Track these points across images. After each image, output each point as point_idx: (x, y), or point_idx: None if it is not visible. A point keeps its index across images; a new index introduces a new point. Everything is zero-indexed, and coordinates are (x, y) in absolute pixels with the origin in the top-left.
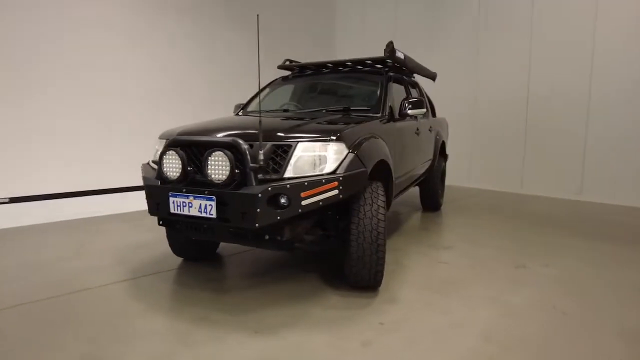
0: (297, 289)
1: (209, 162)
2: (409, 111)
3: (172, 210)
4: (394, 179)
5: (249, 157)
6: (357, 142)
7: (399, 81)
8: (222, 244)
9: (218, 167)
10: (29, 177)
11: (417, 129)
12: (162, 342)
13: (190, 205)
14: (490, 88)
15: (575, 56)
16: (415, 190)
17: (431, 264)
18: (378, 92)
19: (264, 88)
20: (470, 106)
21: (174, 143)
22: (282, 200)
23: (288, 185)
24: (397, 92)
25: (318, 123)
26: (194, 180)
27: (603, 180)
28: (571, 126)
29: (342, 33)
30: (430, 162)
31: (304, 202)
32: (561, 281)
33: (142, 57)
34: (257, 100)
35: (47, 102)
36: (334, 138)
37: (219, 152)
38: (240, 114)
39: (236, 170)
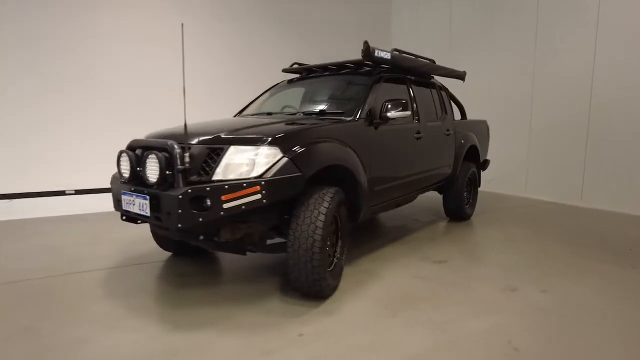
0: (249, 291)
1: (146, 164)
2: (389, 114)
3: (123, 207)
4: (364, 186)
5: (178, 159)
6: (295, 146)
7: (400, 82)
8: None
9: (152, 168)
10: (86, 171)
11: (418, 132)
12: (89, 326)
13: (133, 203)
14: (548, 88)
15: None
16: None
17: (408, 278)
18: (357, 95)
19: (266, 91)
20: (527, 108)
21: (129, 145)
22: (202, 203)
23: (208, 188)
24: (393, 94)
25: (261, 126)
26: (142, 180)
27: None
28: None
29: (398, 33)
30: (448, 168)
31: (225, 206)
32: (548, 312)
33: (177, 58)
34: (256, 103)
35: (79, 104)
36: (267, 142)
37: (152, 155)
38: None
39: (167, 172)
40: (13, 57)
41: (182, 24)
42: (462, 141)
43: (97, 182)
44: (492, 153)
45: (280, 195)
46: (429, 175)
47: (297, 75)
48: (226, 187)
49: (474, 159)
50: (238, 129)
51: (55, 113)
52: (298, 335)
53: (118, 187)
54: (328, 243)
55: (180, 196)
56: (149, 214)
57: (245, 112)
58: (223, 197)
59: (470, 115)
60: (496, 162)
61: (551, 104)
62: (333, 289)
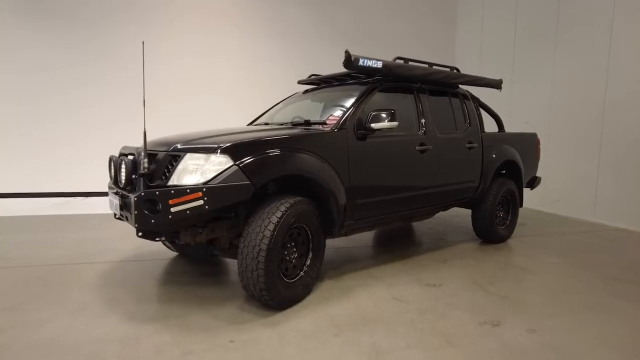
0: (216, 295)
1: (121, 168)
2: (374, 124)
3: (109, 207)
4: (338, 198)
5: (142, 165)
6: (248, 155)
7: (407, 92)
8: None
9: (122, 172)
10: None
11: (422, 144)
12: (59, 309)
13: (112, 203)
14: (624, 96)
15: None
16: None
17: (384, 299)
18: (344, 105)
19: (281, 102)
20: (598, 118)
21: (120, 151)
22: (154, 206)
23: (157, 192)
24: (392, 104)
25: (221, 136)
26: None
27: None
28: None
29: (462, 42)
30: (472, 183)
31: (173, 210)
32: (521, 357)
33: (208, 64)
34: (269, 113)
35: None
36: (218, 150)
37: (123, 160)
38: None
39: (134, 176)
40: (75, 70)
41: (143, 42)
42: (494, 155)
43: None
44: (558, 170)
45: (224, 203)
46: (445, 191)
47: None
48: (172, 191)
49: (513, 175)
50: (199, 138)
51: (119, 120)
52: (229, 341)
53: (108, 189)
54: (295, 255)
55: (135, 198)
56: (119, 214)
57: (258, 122)
58: (170, 202)
59: (531, 128)
60: (562, 181)
61: (628, 112)
62: (288, 300)
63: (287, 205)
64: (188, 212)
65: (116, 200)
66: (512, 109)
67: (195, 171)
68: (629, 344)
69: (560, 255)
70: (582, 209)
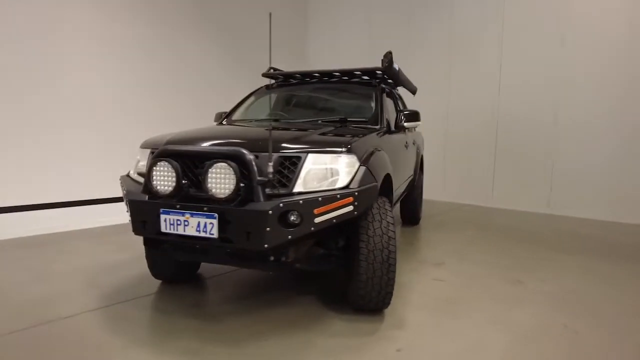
0: (292, 314)
1: (210, 175)
2: (406, 124)
3: (163, 229)
4: (395, 195)
5: (256, 170)
6: (366, 154)
7: (389, 93)
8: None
9: (221, 180)
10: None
11: (406, 143)
12: None
13: (186, 223)
14: (461, 102)
15: (543, 70)
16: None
17: (427, 281)
18: (374, 104)
19: (249, 96)
20: (443, 120)
21: (165, 153)
22: (293, 218)
23: (301, 201)
24: (389, 104)
25: (323, 134)
26: (187, 195)
27: (570, 194)
28: (539, 141)
29: (314, 43)
30: (413, 176)
31: (316, 220)
32: (561, 298)
33: (115, 65)
34: (241, 109)
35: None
36: (345, 150)
37: (222, 164)
38: (224, 123)
39: (241, 184)
40: None
41: (270, 14)
42: (417, 151)
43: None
44: None
45: (366, 206)
46: (406, 183)
47: (273, 82)
48: (320, 199)
49: (422, 167)
50: (303, 137)
51: None
52: (396, 350)
53: (150, 205)
54: None
55: (270, 211)
56: (215, 235)
57: (234, 118)
58: (315, 211)
59: None
60: None
61: (464, 115)
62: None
63: (389, 204)
64: (335, 220)
65: (206, 220)
66: None
67: (327, 174)
68: (606, 281)
69: (467, 228)
70: (435, 192)
